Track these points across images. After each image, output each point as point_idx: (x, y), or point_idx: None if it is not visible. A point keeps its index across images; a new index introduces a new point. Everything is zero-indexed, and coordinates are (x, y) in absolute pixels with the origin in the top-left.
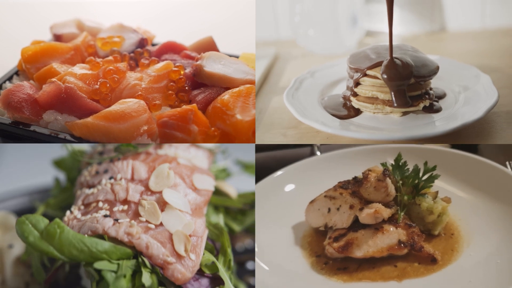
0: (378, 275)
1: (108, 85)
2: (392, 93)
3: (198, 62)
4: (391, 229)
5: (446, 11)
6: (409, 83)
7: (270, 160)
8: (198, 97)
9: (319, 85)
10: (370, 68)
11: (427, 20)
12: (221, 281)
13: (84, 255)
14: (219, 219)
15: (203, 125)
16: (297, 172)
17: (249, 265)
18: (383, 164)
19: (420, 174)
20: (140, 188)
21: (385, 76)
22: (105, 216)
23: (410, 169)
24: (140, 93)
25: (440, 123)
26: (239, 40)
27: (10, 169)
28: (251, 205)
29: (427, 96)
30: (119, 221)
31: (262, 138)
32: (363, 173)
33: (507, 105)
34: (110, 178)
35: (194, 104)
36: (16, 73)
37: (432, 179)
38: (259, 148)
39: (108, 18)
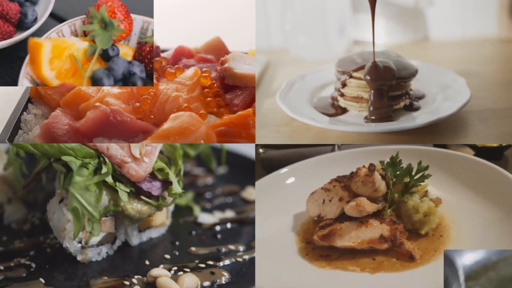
0: (355, 266)
1: (149, 101)
2: (372, 94)
3: (226, 65)
4: (375, 223)
5: (429, 22)
6: (391, 84)
7: (293, 157)
8: (235, 100)
9: (309, 88)
10: (356, 70)
11: (411, 30)
12: (171, 184)
13: (54, 150)
14: None
15: None
16: (300, 169)
17: (207, 194)
18: (381, 162)
19: (413, 173)
20: None
21: (368, 78)
22: None
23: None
24: (186, 105)
25: (418, 119)
26: (238, 40)
27: None
28: None
29: (407, 96)
30: None
31: (257, 134)
32: (357, 168)
33: (480, 105)
34: None
35: (250, 109)
36: (29, 100)
37: (422, 178)
38: (286, 145)
39: None
